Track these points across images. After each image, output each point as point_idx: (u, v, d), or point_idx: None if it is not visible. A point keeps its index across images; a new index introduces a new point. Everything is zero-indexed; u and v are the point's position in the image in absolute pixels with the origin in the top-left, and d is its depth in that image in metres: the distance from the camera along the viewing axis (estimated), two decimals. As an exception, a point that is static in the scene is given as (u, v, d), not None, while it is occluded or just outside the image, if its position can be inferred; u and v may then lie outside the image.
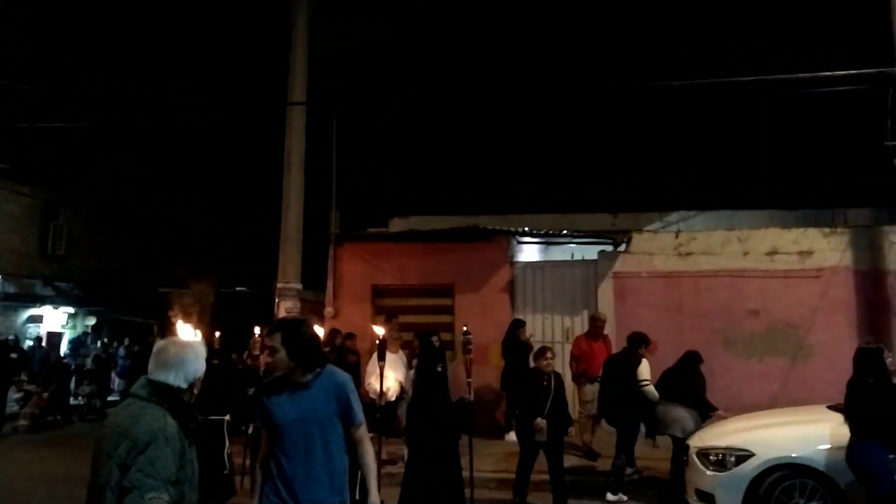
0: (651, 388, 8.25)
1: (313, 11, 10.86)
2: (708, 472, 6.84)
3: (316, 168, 11.63)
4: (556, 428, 7.52)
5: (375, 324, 8.91)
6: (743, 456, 6.60)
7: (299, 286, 10.77)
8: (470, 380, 6.88)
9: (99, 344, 20.29)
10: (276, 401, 3.75)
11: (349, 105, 13.85)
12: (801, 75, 9.74)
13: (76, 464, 10.37)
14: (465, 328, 7.37)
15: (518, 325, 11.02)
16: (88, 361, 18.35)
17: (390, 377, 9.36)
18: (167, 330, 14.14)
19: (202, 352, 3.30)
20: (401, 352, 10.10)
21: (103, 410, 16.30)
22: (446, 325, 11.99)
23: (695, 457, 7.10)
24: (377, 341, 7.79)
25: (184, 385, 3.20)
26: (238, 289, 22.81)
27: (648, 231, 13.27)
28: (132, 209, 22.64)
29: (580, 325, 12.05)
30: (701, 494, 6.93)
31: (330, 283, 13.24)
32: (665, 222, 14.64)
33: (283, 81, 10.75)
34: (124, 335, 20.81)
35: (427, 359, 6.87)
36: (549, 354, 7.75)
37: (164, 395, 3.13)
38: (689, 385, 8.21)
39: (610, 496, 7.96)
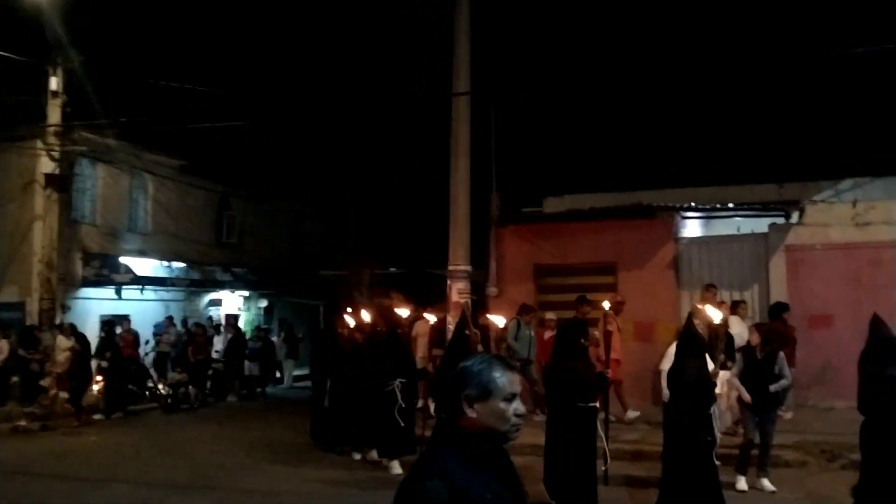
0: None
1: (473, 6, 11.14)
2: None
3: (477, 152, 11.94)
4: None
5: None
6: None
7: (469, 268, 11.17)
8: None
9: (180, 326, 18.91)
10: None
11: (506, 88, 14.11)
12: None
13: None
14: None
15: None
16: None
17: None
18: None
19: None
20: None
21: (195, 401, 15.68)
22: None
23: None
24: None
25: None
26: (392, 270, 23.75)
27: (821, 201, 12.74)
28: (296, 197, 24.03)
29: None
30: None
31: (493, 264, 13.60)
32: (836, 191, 13.91)
33: (448, 71, 11.11)
34: (295, 316, 22.21)
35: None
36: None
37: None
38: None
39: None
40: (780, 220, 12.19)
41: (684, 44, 17.81)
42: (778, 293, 11.67)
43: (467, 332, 8.77)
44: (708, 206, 12.56)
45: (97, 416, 14.11)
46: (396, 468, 8.82)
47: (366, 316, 11.05)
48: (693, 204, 12.55)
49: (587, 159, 18.15)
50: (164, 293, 20.01)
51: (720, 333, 7.85)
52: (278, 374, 20.60)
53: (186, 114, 16.28)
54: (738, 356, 8.13)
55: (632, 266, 12.71)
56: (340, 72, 21.53)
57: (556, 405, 6.98)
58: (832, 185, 14.10)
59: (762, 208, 12.39)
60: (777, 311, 10.52)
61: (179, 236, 20.43)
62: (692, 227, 13.73)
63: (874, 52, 9.85)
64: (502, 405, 2.26)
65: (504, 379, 2.28)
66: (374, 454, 9.47)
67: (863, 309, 11.36)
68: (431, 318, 11.16)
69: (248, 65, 20.74)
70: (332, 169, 22.68)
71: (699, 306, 7.69)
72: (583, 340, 7.29)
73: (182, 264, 20.29)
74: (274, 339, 20.78)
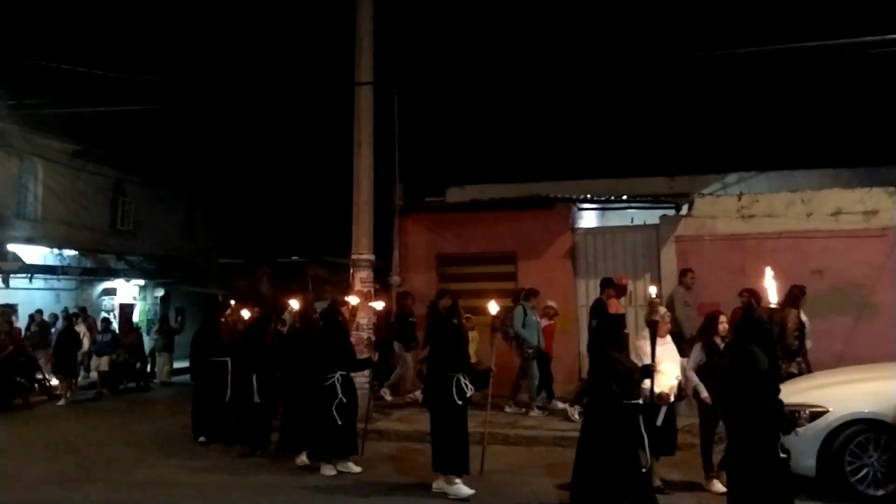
0: None
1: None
2: (784, 428, 7.07)
3: (379, 141, 11.94)
4: None
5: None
6: (818, 412, 6.81)
7: (372, 257, 11.18)
8: None
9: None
10: None
11: (410, 77, 14.18)
12: (864, 38, 9.54)
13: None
14: None
15: None
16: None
17: (670, 373, 6.94)
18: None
19: None
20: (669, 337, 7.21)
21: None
22: (509, 293, 12.32)
23: (770, 413, 7.33)
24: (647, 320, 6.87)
25: None
26: (293, 258, 23.48)
27: (709, 194, 13.37)
28: (195, 185, 23.41)
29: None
30: (777, 448, 7.20)
31: (396, 253, 13.72)
32: (724, 184, 14.66)
33: (352, 58, 11.05)
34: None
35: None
36: None
37: None
38: None
39: None
40: (671, 212, 12.70)
41: (583, 41, 18.37)
42: (669, 282, 12.19)
43: (456, 320, 7.80)
44: (603, 198, 13.01)
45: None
46: (329, 471, 8.04)
47: (295, 305, 10.46)
48: (589, 196, 12.96)
49: (489, 151, 18.54)
50: (54, 282, 19.17)
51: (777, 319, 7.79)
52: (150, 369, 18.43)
53: (81, 97, 15.54)
54: (696, 347, 7.30)
55: (531, 255, 13.02)
56: (243, 58, 21.13)
57: (597, 400, 6.28)
58: (719, 179, 14.88)
59: (654, 201, 12.91)
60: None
61: (71, 223, 19.58)
62: (588, 218, 14.17)
63: (758, 53, 10.36)
64: None
65: None
66: (303, 457, 8.49)
67: (746, 297, 12.05)
68: (378, 305, 10.81)
69: (148, 48, 20.05)
70: (232, 155, 22.25)
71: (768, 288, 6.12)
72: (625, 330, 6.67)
73: (74, 252, 19.46)
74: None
